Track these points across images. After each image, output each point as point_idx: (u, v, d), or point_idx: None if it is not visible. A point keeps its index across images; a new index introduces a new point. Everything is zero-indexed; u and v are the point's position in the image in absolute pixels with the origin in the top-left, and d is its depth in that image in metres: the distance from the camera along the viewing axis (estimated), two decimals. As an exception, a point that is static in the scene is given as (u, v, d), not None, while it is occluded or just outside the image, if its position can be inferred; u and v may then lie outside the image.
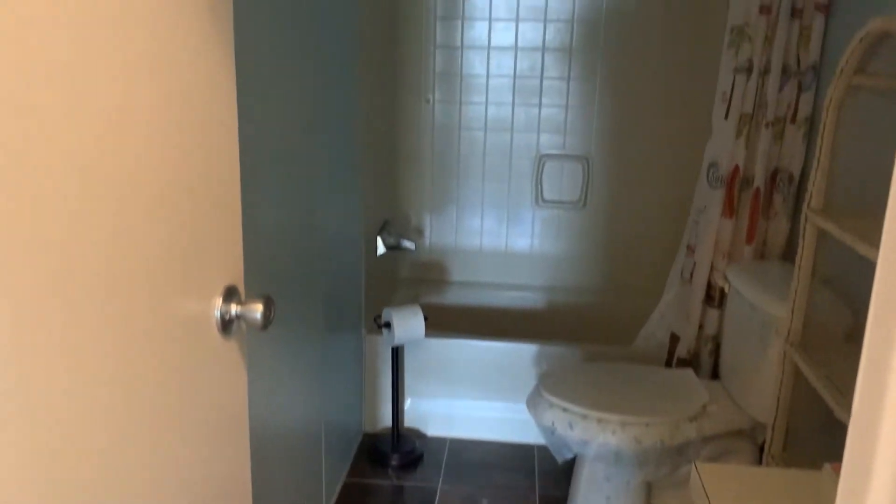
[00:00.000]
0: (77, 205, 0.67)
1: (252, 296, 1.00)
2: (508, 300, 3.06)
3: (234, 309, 0.98)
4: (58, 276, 0.64)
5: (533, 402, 2.11)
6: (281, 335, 1.65)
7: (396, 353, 2.54)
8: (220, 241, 0.97)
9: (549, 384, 2.10)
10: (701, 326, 2.40)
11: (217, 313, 0.96)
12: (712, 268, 2.34)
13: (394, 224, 3.02)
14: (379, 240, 2.74)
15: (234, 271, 1.01)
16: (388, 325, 2.44)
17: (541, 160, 2.98)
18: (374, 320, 2.52)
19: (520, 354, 2.57)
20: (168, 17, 0.80)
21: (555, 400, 2.03)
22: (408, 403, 2.68)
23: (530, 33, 2.87)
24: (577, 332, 2.99)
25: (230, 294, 0.98)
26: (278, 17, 1.56)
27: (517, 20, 2.86)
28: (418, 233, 3.12)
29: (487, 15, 2.87)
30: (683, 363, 2.42)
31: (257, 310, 0.97)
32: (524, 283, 3.09)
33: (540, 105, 2.93)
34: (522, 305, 3.05)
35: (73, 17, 0.65)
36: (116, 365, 0.74)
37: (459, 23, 2.90)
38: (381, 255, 2.78)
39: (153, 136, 0.79)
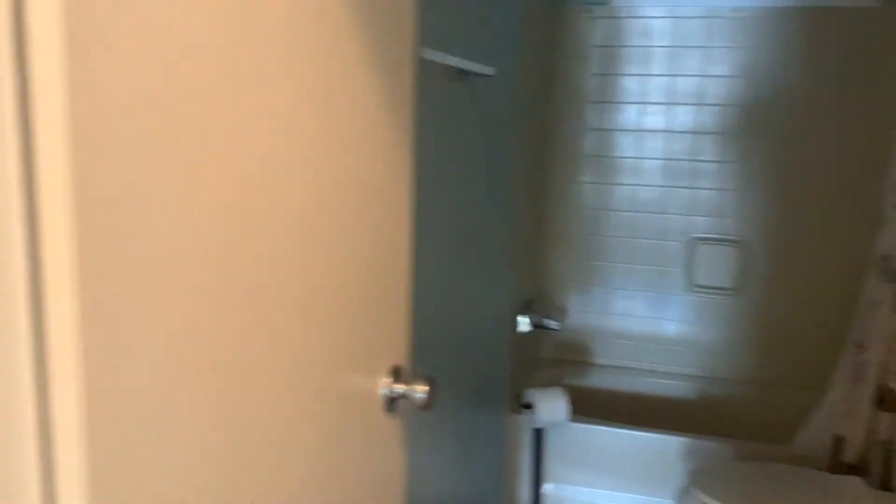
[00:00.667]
0: (265, 284, 0.72)
1: (417, 376, 1.03)
2: (656, 387, 2.96)
3: (399, 388, 1.01)
4: (244, 349, 0.70)
5: (684, 501, 2.01)
6: (430, 411, 1.68)
7: (538, 436, 2.51)
8: (388, 321, 1.01)
9: (702, 482, 2.00)
10: (871, 431, 2.21)
11: (383, 392, 0.99)
12: (885, 368, 2.17)
13: (538, 303, 3.02)
14: (523, 318, 2.74)
15: (400, 351, 1.05)
16: (529, 406, 2.42)
17: (693, 244, 2.91)
18: (516, 400, 2.51)
19: (667, 446, 2.46)
20: (354, 103, 0.87)
21: (708, 500, 1.92)
22: (548, 488, 2.62)
23: (683, 117, 2.85)
24: (730, 426, 2.83)
25: (396, 374, 1.02)
26: (447, 100, 1.64)
27: (671, 104, 2.85)
28: (562, 312, 3.10)
29: (640, 99, 2.88)
30: (850, 469, 2.23)
31: (422, 391, 1.00)
32: (673, 370, 2.99)
33: (693, 188, 2.88)
34: (671, 394, 2.94)
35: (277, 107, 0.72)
36: (287, 434, 0.79)
37: (611, 106, 2.92)
38: (524, 334, 2.78)
39: (330, 217, 0.84)
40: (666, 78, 2.85)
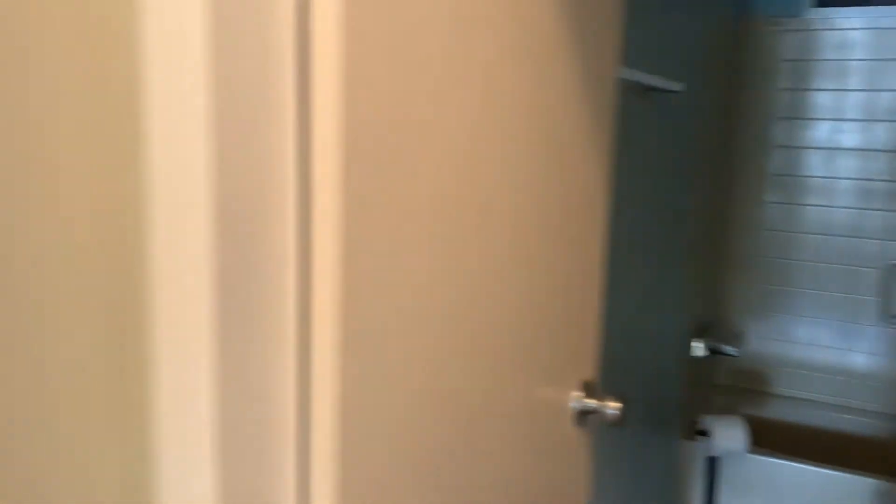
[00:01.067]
0: (477, 290, 0.75)
1: (609, 393, 1.03)
2: (841, 423, 2.76)
3: (590, 403, 1.01)
4: (457, 356, 0.73)
5: (877, 547, 1.85)
6: (602, 430, 1.66)
7: (712, 465, 2.41)
8: (580, 336, 1.02)
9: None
10: None
11: (574, 405, 1.00)
12: None
13: (715, 327, 2.91)
14: (698, 342, 2.65)
15: (590, 366, 1.05)
16: (704, 432, 2.33)
17: (891, 271, 2.69)
18: (690, 426, 2.43)
19: (857, 488, 2.28)
20: (559, 117, 0.89)
21: (907, 549, 1.77)
22: (720, 521, 2.50)
23: (883, 134, 2.65)
24: (930, 471, 2.58)
25: (587, 388, 1.02)
26: (633, 117, 1.63)
27: (869, 121, 2.66)
28: (740, 338, 2.96)
29: (834, 115, 2.71)
30: None
31: (614, 407, 1.00)
32: (864, 406, 2.77)
33: (892, 210, 2.67)
34: (859, 431, 2.73)
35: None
36: (487, 441, 0.81)
37: (801, 123, 2.77)
38: (699, 359, 2.68)
39: (531, 229, 0.87)
40: (864, 93, 2.67)
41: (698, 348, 2.65)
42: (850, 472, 2.31)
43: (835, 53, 2.69)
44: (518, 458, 0.89)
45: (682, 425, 2.49)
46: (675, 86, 1.69)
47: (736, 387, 2.98)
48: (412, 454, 0.67)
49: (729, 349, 2.72)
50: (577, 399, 1.01)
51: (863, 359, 2.77)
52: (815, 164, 2.76)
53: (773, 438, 2.81)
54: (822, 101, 2.73)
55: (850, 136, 2.70)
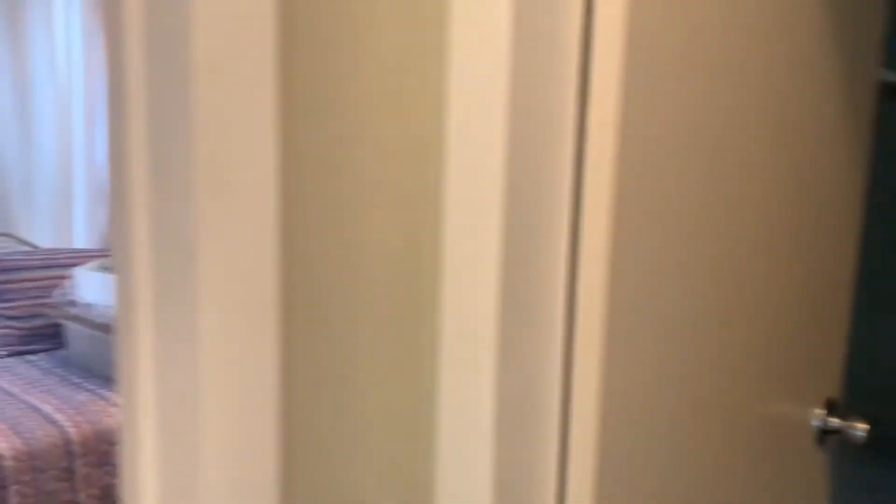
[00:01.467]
0: (730, 295, 0.74)
1: (854, 413, 0.97)
2: None
3: (833, 422, 0.96)
4: (691, 369, 0.72)
5: None
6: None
7: (949, 504, 2.17)
8: (826, 349, 0.97)
9: None
10: None
11: (817, 424, 0.95)
12: None
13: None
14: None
15: (833, 384, 1.00)
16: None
17: None
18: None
19: None
20: (816, 119, 0.85)
21: None
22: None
23: None
24: None
25: (830, 407, 0.97)
26: (886, 120, 1.52)
27: None
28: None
29: None
30: None
31: (861, 428, 0.94)
32: None
33: None
34: None
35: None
36: (723, 448, 0.79)
37: None
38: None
39: (783, 233, 0.83)
40: None
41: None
42: None
43: None
44: (758, 473, 0.86)
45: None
46: (928, 86, 1.55)
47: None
48: (660, 457, 0.67)
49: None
50: (819, 417, 0.96)
51: None
52: None
53: None
54: None
55: None
